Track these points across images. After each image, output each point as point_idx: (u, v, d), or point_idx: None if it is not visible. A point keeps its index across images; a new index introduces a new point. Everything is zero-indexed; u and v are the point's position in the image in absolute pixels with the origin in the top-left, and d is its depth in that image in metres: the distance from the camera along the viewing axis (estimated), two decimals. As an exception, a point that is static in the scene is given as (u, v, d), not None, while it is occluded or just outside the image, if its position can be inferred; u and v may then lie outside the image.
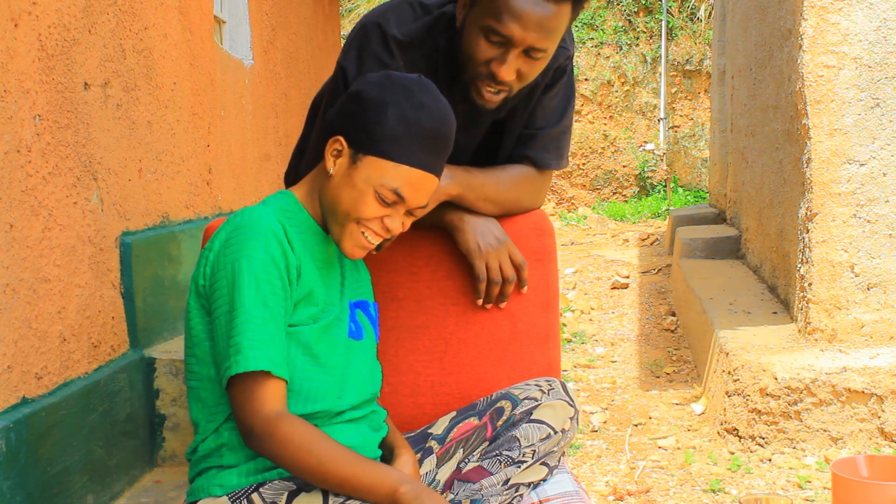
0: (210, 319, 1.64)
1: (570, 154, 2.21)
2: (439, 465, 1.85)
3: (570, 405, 1.84)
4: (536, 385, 1.88)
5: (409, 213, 1.70)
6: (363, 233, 1.68)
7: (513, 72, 1.82)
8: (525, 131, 2.06)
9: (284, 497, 1.60)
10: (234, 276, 1.59)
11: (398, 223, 1.69)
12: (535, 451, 1.80)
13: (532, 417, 1.82)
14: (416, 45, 1.94)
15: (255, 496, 1.61)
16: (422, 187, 1.67)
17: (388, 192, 1.64)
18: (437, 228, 2.01)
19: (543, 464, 1.82)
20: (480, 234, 1.97)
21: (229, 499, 1.62)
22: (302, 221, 1.71)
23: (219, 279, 1.61)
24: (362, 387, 1.77)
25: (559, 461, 1.87)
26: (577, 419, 1.86)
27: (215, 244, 1.64)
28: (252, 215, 1.64)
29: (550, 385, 1.87)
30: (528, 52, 1.82)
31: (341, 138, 1.67)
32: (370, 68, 1.93)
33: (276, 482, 1.62)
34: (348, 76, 1.96)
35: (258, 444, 1.56)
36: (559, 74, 2.04)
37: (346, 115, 1.68)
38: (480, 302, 2.01)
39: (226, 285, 1.59)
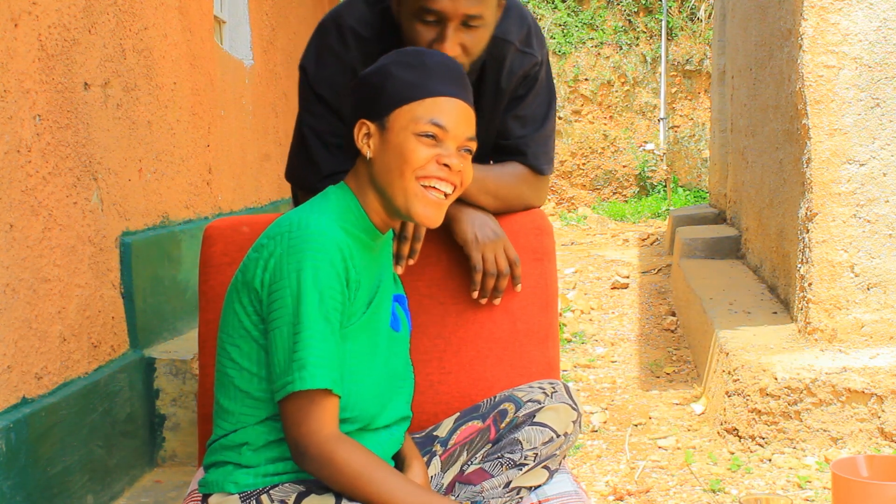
0: (260, 320, 1.61)
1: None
2: (444, 469, 1.85)
3: (574, 409, 1.84)
4: (540, 388, 1.88)
5: (462, 151, 1.65)
6: (427, 186, 1.63)
7: (456, 46, 1.82)
8: (505, 143, 2.05)
9: (293, 498, 1.60)
10: (300, 286, 1.54)
11: (455, 158, 1.63)
12: (536, 454, 1.80)
13: (535, 420, 1.82)
14: (373, 38, 1.95)
15: (264, 497, 1.61)
16: (457, 114, 1.64)
17: (426, 125, 1.61)
18: (437, 228, 2.01)
19: (545, 467, 1.82)
20: (478, 226, 1.97)
21: (240, 498, 1.61)
22: (358, 218, 1.67)
23: (281, 287, 1.56)
24: (399, 388, 1.75)
25: (560, 465, 1.87)
26: (580, 423, 1.86)
27: (276, 249, 1.58)
28: (319, 223, 1.59)
29: (554, 388, 1.87)
30: (466, 23, 1.81)
31: (363, 120, 1.66)
32: (327, 64, 1.95)
33: (286, 485, 1.61)
34: (308, 75, 1.99)
35: (312, 466, 1.54)
36: (530, 83, 2.03)
37: (356, 101, 1.68)
38: (476, 294, 2.01)
39: (289, 295, 1.55)
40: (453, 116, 1.63)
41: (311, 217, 1.61)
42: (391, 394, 1.73)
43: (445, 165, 1.63)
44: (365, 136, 1.65)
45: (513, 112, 2.04)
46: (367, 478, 1.53)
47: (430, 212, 1.64)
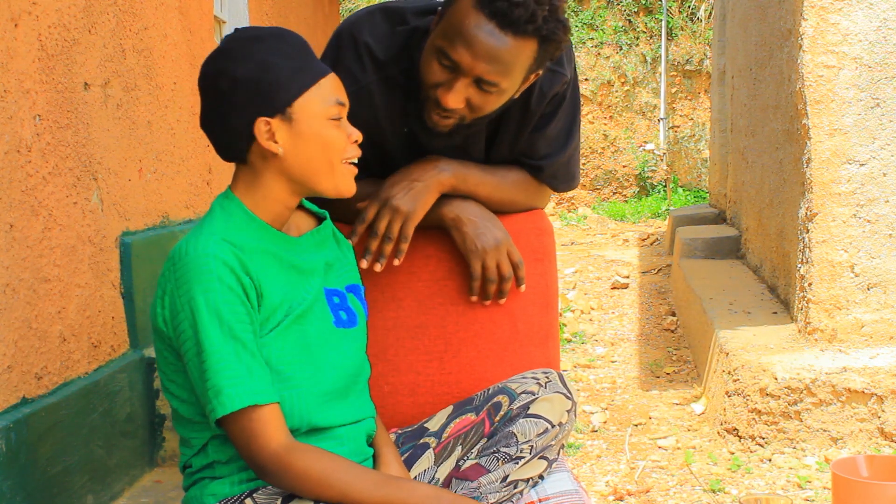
0: (178, 355, 1.61)
1: (578, 146, 2.15)
2: (437, 462, 1.84)
3: (568, 398, 1.83)
4: (534, 378, 1.87)
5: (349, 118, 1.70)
6: (347, 163, 1.66)
7: (459, 100, 1.75)
8: (530, 161, 2.02)
9: (279, 501, 1.60)
10: (195, 315, 1.53)
11: (356, 132, 1.67)
12: (532, 446, 1.79)
13: (529, 412, 1.81)
14: (391, 61, 1.88)
15: (248, 501, 1.61)
16: (341, 87, 1.66)
17: (334, 108, 1.62)
18: (437, 228, 2.01)
19: (542, 458, 1.81)
20: (478, 234, 1.96)
21: None
22: (254, 229, 1.64)
23: (181, 321, 1.55)
24: (348, 381, 1.73)
25: (558, 454, 1.86)
26: (575, 411, 1.86)
27: (167, 286, 1.58)
28: (196, 248, 1.56)
29: (548, 378, 1.86)
30: (479, 84, 1.74)
31: (261, 118, 1.59)
32: (342, 81, 1.89)
33: (269, 487, 1.61)
34: None
35: (274, 480, 1.55)
36: (558, 101, 1.98)
37: (238, 103, 1.59)
38: (474, 299, 2.01)
39: (189, 327, 1.54)
40: (343, 91, 1.66)
41: (189, 243, 1.57)
42: (346, 392, 1.72)
43: (355, 141, 1.66)
44: (268, 134, 1.60)
45: (538, 131, 1.99)
46: (329, 481, 1.53)
47: (352, 185, 1.68)
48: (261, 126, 1.60)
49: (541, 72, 1.83)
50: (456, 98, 1.74)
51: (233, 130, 1.61)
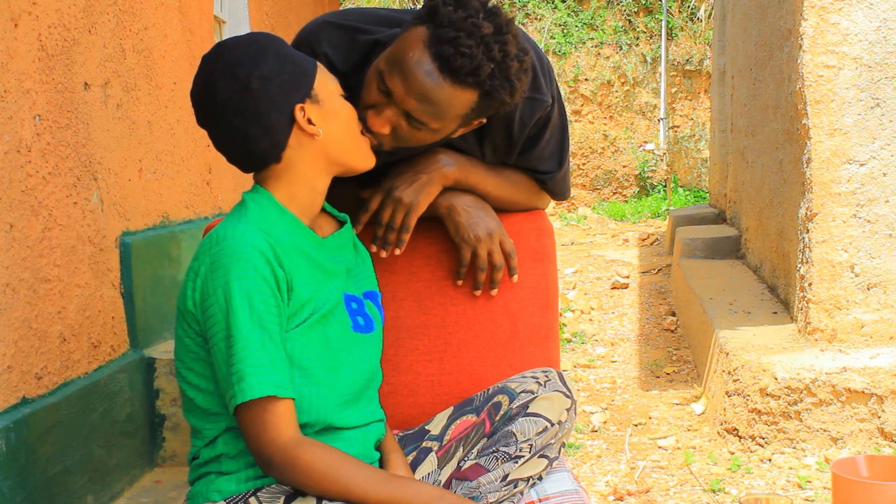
0: (203, 340, 1.62)
1: (569, 156, 2.18)
2: (440, 465, 1.84)
3: (567, 396, 1.83)
4: (533, 377, 1.87)
5: None
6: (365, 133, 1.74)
7: (384, 126, 1.73)
8: (535, 175, 2.05)
9: (281, 500, 1.60)
10: (227, 300, 1.55)
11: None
12: (531, 445, 1.79)
13: (528, 411, 1.81)
14: (352, 71, 1.87)
15: (252, 500, 1.61)
16: None
17: (338, 85, 1.71)
18: (437, 227, 2.01)
19: (542, 456, 1.81)
20: (472, 224, 1.96)
21: None
22: (286, 223, 1.66)
23: (211, 305, 1.57)
24: (363, 385, 1.75)
25: (559, 452, 1.86)
26: (575, 410, 1.86)
27: (201, 269, 1.59)
28: (235, 234, 1.59)
29: (547, 376, 1.86)
30: (409, 118, 1.72)
31: (298, 105, 1.63)
32: None
33: (273, 486, 1.62)
34: None
35: (280, 474, 1.55)
36: (543, 122, 1.97)
37: (278, 94, 1.62)
38: (459, 283, 2.01)
39: (219, 311, 1.56)
40: None
41: (227, 229, 1.60)
42: (359, 396, 1.73)
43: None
44: (307, 120, 1.65)
45: (526, 152, 2.00)
46: (334, 476, 1.54)
47: (372, 155, 1.75)
48: (298, 113, 1.64)
49: (484, 119, 1.81)
50: (381, 123, 1.73)
51: (274, 128, 1.63)
